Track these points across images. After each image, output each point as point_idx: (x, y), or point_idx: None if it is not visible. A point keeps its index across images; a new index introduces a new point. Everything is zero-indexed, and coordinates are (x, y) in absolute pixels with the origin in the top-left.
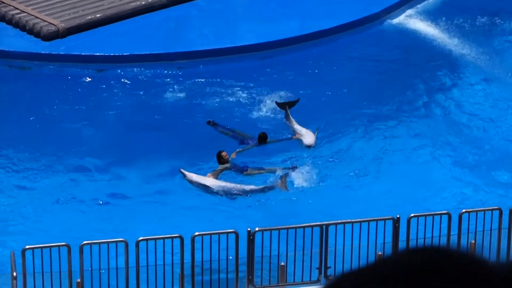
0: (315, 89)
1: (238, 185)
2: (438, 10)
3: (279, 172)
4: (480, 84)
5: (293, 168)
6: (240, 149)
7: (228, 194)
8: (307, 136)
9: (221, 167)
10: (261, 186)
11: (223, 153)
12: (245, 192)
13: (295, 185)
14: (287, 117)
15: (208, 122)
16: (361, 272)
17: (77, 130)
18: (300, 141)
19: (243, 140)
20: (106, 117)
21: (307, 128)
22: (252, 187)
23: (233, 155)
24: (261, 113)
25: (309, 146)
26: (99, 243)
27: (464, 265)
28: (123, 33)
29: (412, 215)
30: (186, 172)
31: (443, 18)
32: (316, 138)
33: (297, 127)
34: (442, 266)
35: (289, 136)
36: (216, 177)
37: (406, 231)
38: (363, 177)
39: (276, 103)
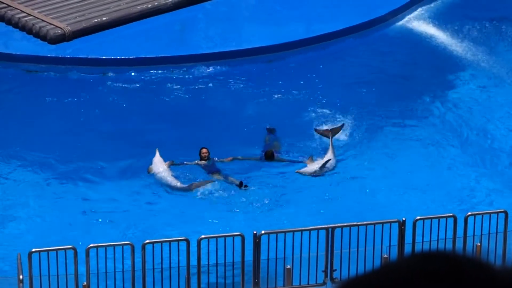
0: (321, 92)
1: (170, 179)
2: (444, 12)
3: (235, 184)
4: (487, 87)
5: (244, 186)
6: (241, 157)
7: (163, 183)
8: (316, 164)
9: (193, 161)
10: (181, 186)
11: (203, 150)
12: (171, 187)
13: (301, 188)
14: (331, 145)
15: (267, 129)
16: (367, 278)
17: (82, 133)
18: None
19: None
20: (112, 119)
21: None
22: (178, 184)
23: (228, 159)
24: (267, 115)
25: (302, 172)
26: (105, 246)
27: (470, 271)
28: (129, 36)
29: (418, 217)
30: (157, 153)
31: (450, 21)
32: (323, 168)
33: (329, 153)
34: (448, 273)
35: (300, 159)
36: (168, 166)
37: (412, 234)
38: (368, 180)
39: (316, 130)
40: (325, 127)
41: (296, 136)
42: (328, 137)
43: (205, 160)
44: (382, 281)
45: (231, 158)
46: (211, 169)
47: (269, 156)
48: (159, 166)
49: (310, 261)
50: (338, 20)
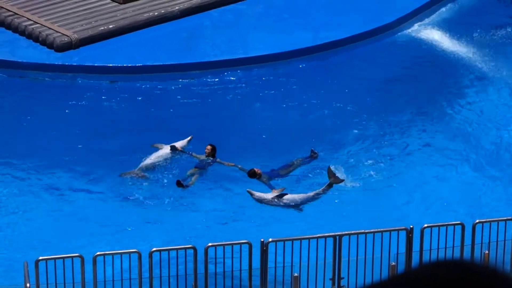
0: (328, 99)
1: (148, 164)
2: (451, 20)
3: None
4: (494, 95)
5: (180, 185)
6: (240, 167)
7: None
8: (272, 194)
9: (197, 154)
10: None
11: (207, 146)
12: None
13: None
14: (322, 189)
15: (312, 152)
16: (383, 286)
17: (89, 141)
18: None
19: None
20: (119, 128)
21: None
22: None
23: (229, 164)
24: (273, 124)
25: (251, 193)
26: (112, 254)
27: (483, 278)
28: (136, 44)
29: (426, 225)
30: (187, 139)
31: (457, 28)
32: (277, 199)
33: (305, 196)
34: (461, 280)
35: (272, 187)
36: (171, 151)
37: (419, 242)
38: (376, 187)
39: (329, 170)
40: (333, 175)
41: (302, 143)
42: (331, 184)
43: (205, 156)
44: None
45: (233, 164)
46: (198, 165)
47: (251, 174)
48: (167, 149)
49: (318, 269)
50: (345, 28)
